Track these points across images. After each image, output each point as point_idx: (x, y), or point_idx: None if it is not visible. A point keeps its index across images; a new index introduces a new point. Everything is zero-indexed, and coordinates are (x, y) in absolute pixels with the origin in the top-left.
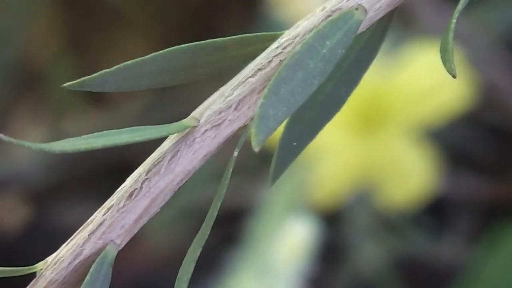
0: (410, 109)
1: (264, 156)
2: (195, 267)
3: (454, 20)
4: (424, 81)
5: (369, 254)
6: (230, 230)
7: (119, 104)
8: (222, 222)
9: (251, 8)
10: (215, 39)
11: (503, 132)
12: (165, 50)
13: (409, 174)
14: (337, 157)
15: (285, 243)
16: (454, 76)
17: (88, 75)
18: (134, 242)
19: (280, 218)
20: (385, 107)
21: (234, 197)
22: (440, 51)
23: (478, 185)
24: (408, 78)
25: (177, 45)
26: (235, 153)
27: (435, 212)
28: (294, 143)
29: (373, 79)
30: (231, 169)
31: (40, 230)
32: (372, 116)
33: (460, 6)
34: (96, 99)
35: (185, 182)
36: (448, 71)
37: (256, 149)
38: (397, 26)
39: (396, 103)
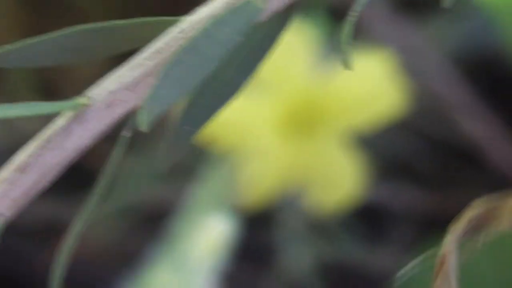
0: (346, 114)
1: (198, 155)
2: (116, 262)
3: (355, 13)
4: (361, 87)
5: (298, 257)
6: (156, 226)
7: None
8: (149, 219)
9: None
10: (116, 21)
11: (443, 144)
12: (67, 30)
13: (339, 179)
14: (267, 157)
15: (204, 240)
16: (349, 69)
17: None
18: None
19: (203, 216)
20: (320, 111)
21: (162, 195)
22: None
23: (415, 195)
24: (346, 83)
25: None
26: (125, 133)
27: (370, 220)
28: (188, 127)
29: (310, 82)
30: (121, 149)
31: None
32: (307, 119)
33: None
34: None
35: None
36: (343, 64)
37: (143, 129)
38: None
39: (332, 107)
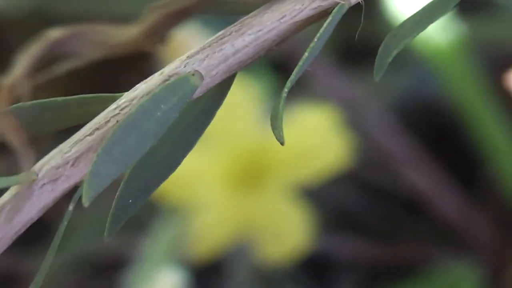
0: (290, 167)
1: (149, 208)
2: None
3: (286, 90)
4: (306, 140)
5: None
6: (110, 279)
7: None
8: (103, 272)
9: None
10: (56, 98)
11: (388, 195)
12: (10, 107)
13: (287, 231)
14: (216, 210)
15: None
16: (282, 144)
17: None
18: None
19: (155, 268)
20: (265, 165)
21: (113, 247)
22: (271, 119)
23: (360, 246)
24: (291, 137)
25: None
26: (70, 208)
27: (317, 271)
28: (130, 201)
29: (256, 137)
30: (66, 223)
31: None
32: (254, 173)
33: (292, 76)
34: None
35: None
36: (276, 138)
37: (86, 204)
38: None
39: (277, 161)
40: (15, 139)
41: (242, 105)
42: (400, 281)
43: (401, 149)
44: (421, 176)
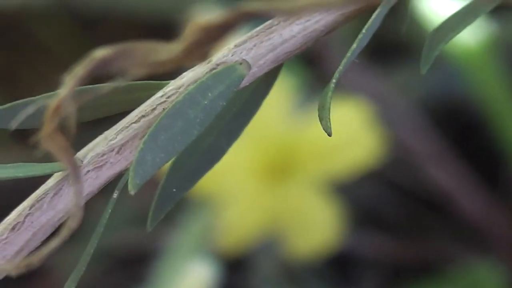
0: (319, 162)
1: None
2: None
3: (334, 80)
4: (336, 135)
5: None
6: (138, 270)
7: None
8: (132, 263)
9: None
10: (103, 84)
11: (412, 193)
12: (54, 92)
13: (314, 227)
14: (245, 204)
15: (186, 284)
16: (329, 134)
17: None
18: (42, 275)
19: (184, 261)
20: (296, 158)
21: (144, 239)
22: (318, 109)
23: (384, 244)
24: (319, 131)
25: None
26: (115, 195)
27: (340, 268)
28: (174, 189)
29: (286, 130)
30: (110, 210)
31: None
32: (283, 166)
33: (341, 67)
34: (21, 139)
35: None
36: (323, 128)
37: (132, 192)
38: (316, 82)
39: (307, 155)
40: (64, 158)
41: (274, 98)
42: (423, 279)
43: (426, 147)
44: (445, 175)
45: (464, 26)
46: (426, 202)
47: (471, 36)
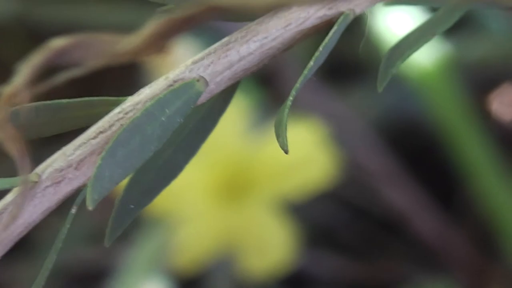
0: (274, 181)
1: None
2: None
3: (291, 98)
4: (290, 155)
5: None
6: (94, 287)
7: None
8: (87, 280)
9: (129, 76)
10: (60, 100)
11: (367, 213)
12: (15, 107)
13: (269, 246)
14: (200, 222)
15: None
16: (286, 152)
17: None
18: None
19: (139, 278)
20: (250, 178)
21: (100, 256)
22: (275, 126)
23: (339, 264)
24: (274, 150)
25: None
26: (73, 210)
27: (296, 287)
28: (131, 206)
29: (242, 149)
30: (68, 226)
31: None
32: (238, 185)
33: (297, 84)
34: None
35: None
36: (280, 146)
37: (90, 207)
38: (271, 101)
39: (261, 174)
40: (13, 148)
41: (230, 117)
42: None
43: (381, 167)
44: (400, 195)
45: (422, 44)
46: (381, 222)
47: (426, 56)
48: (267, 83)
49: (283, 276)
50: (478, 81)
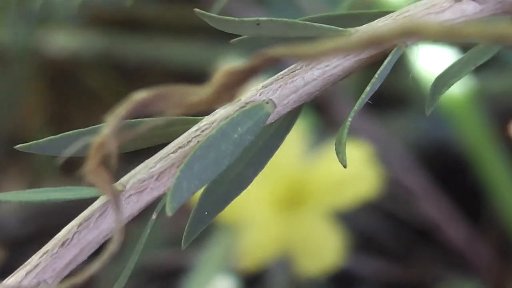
0: (327, 194)
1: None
2: None
3: (350, 119)
4: (342, 172)
5: None
6: (171, 284)
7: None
8: (165, 278)
9: None
10: (145, 119)
11: (405, 223)
12: (95, 126)
13: (321, 249)
14: (262, 229)
15: None
16: (344, 166)
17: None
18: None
19: (210, 276)
20: (306, 191)
21: (175, 259)
22: (335, 144)
23: (380, 265)
24: (327, 168)
25: None
26: (154, 217)
27: (341, 285)
28: (206, 213)
29: (299, 166)
30: (149, 230)
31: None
32: (295, 197)
33: (355, 107)
34: (69, 170)
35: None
36: (340, 161)
37: (169, 214)
38: (324, 126)
39: (315, 188)
40: (106, 189)
41: (289, 138)
42: None
43: (417, 184)
44: (434, 208)
45: (464, 74)
46: (417, 230)
47: (456, 88)
48: (320, 110)
49: (332, 275)
50: (500, 111)
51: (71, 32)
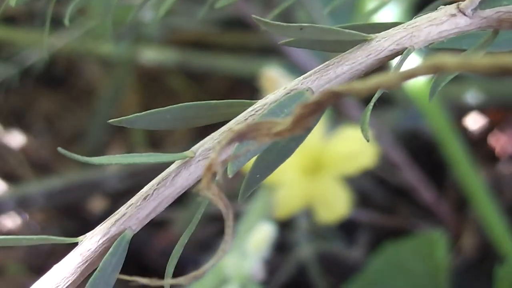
0: (338, 164)
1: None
2: (199, 248)
3: (372, 104)
4: (348, 148)
5: (305, 249)
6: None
7: (171, 145)
8: (220, 220)
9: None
10: (211, 101)
11: (391, 186)
12: (180, 105)
13: (332, 204)
14: (291, 188)
15: (255, 238)
16: (368, 140)
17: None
18: (165, 230)
19: (254, 222)
20: (324, 161)
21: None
22: (360, 123)
23: (373, 216)
24: (338, 146)
25: None
26: (217, 177)
27: (346, 229)
28: (257, 176)
29: (320, 143)
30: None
31: None
32: (316, 166)
33: (376, 95)
34: (157, 143)
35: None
36: (364, 137)
37: (230, 175)
38: (336, 116)
39: (330, 159)
40: (219, 202)
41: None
42: (397, 239)
43: (399, 158)
44: (411, 176)
45: (455, 74)
46: (399, 191)
47: (427, 90)
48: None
49: (340, 222)
50: (457, 107)
51: (158, 48)
